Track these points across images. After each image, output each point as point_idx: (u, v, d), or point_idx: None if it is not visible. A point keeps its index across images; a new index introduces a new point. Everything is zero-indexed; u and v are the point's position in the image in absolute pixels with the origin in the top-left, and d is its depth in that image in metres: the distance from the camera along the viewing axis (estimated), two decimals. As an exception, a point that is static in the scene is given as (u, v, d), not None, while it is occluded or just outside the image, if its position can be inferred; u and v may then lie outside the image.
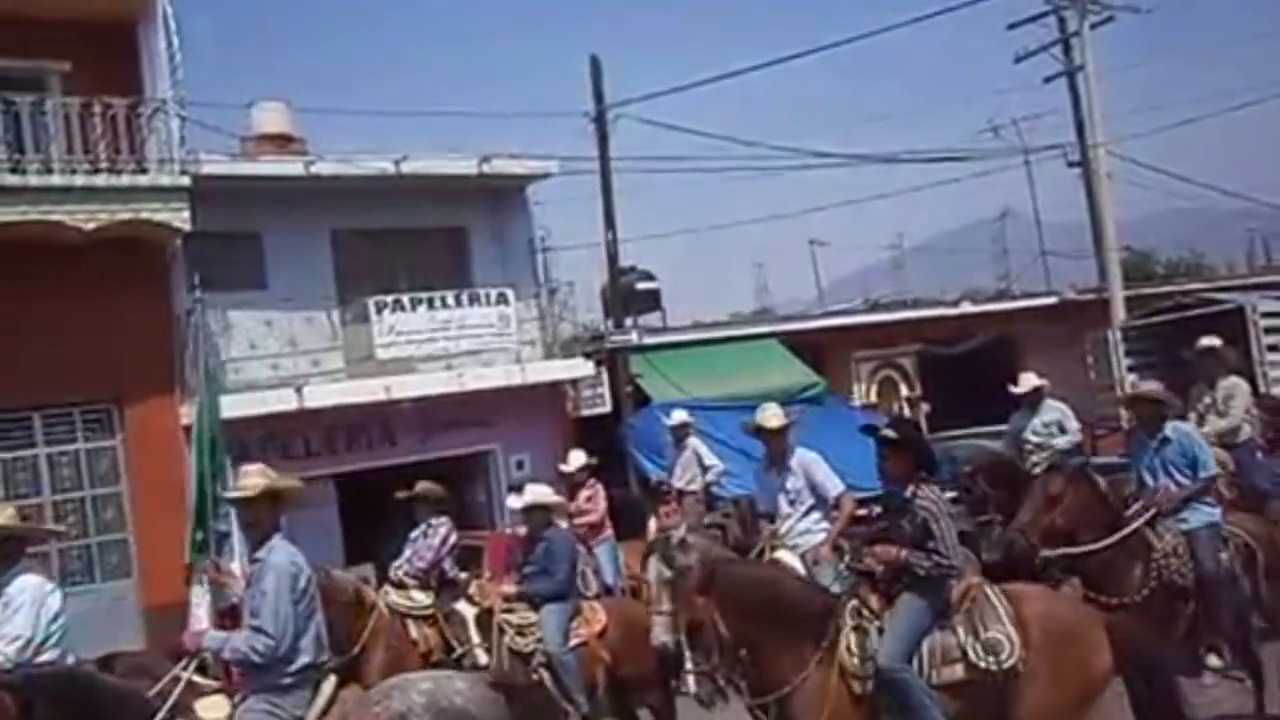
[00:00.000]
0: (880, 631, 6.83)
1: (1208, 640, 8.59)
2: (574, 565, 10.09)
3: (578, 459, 14.16)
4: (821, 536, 9.70)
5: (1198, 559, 8.44)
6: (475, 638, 9.77)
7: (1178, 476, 8.86)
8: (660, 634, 7.09)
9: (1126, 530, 8.50)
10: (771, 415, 10.18)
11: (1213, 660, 8.66)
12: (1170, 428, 8.93)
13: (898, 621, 6.84)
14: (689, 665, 6.80)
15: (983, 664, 6.79)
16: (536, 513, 10.08)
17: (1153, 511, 8.67)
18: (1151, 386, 9.31)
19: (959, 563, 7.13)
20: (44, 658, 7.32)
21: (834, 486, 9.84)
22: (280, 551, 6.56)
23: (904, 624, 6.84)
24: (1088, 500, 8.59)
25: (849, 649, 6.78)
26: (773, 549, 9.90)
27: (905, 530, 7.04)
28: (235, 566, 8.61)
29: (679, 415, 15.75)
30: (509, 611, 9.67)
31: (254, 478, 6.58)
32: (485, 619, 9.76)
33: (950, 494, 13.66)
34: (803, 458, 9.96)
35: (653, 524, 14.75)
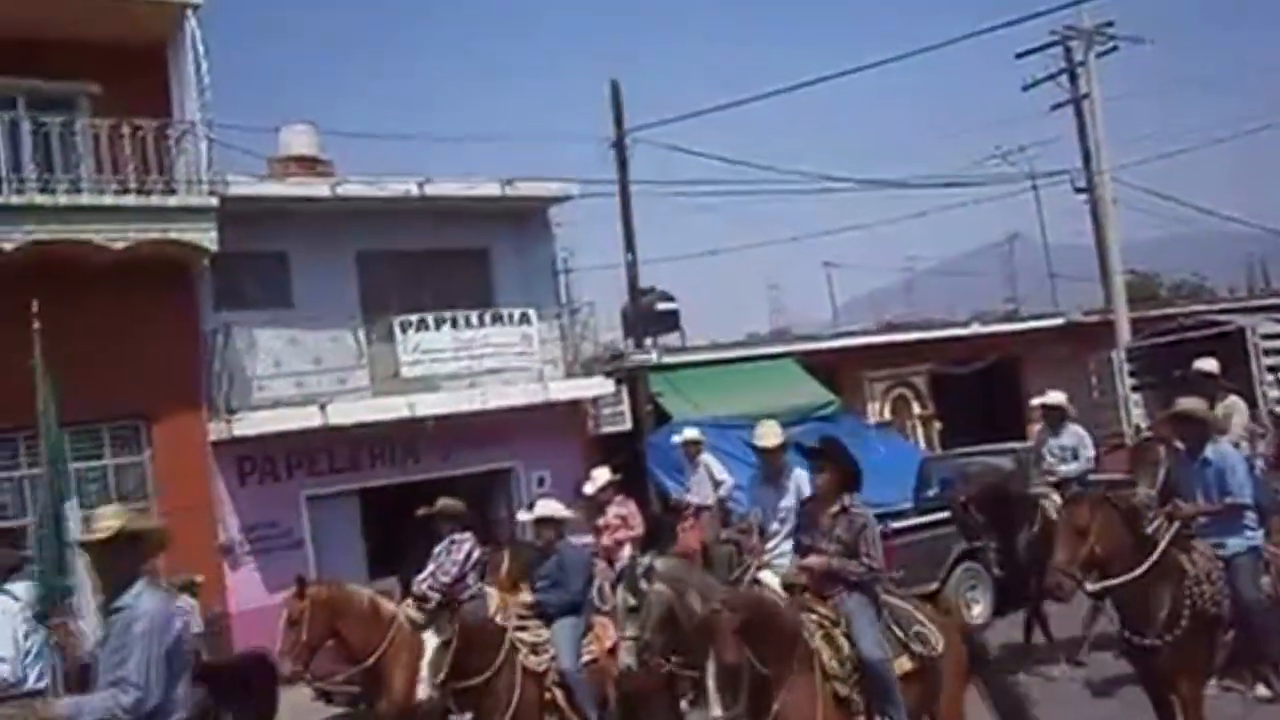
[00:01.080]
0: (846, 636, 7.01)
1: (1253, 668, 8.01)
2: (588, 580, 9.63)
3: (602, 476, 13.71)
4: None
5: (1236, 588, 7.75)
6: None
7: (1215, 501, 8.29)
8: (626, 658, 7.25)
9: (1156, 554, 7.88)
10: (767, 434, 9.77)
11: (1261, 690, 8.10)
12: (1211, 449, 8.22)
13: (859, 620, 7.07)
14: (718, 711, 6.83)
15: (923, 652, 7.21)
16: (547, 527, 9.67)
17: (1175, 526, 8.10)
18: (1193, 404, 8.49)
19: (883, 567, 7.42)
20: None
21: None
22: (148, 598, 5.44)
23: (866, 621, 7.08)
24: (1115, 526, 8.04)
25: (826, 655, 6.89)
26: (757, 568, 9.53)
27: (836, 534, 7.26)
28: (84, 624, 7.76)
29: (689, 433, 15.41)
30: (522, 629, 9.23)
31: (109, 519, 5.49)
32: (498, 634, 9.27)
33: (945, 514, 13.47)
34: (799, 478, 9.48)
35: (680, 540, 14.57)
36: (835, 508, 7.32)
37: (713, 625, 6.65)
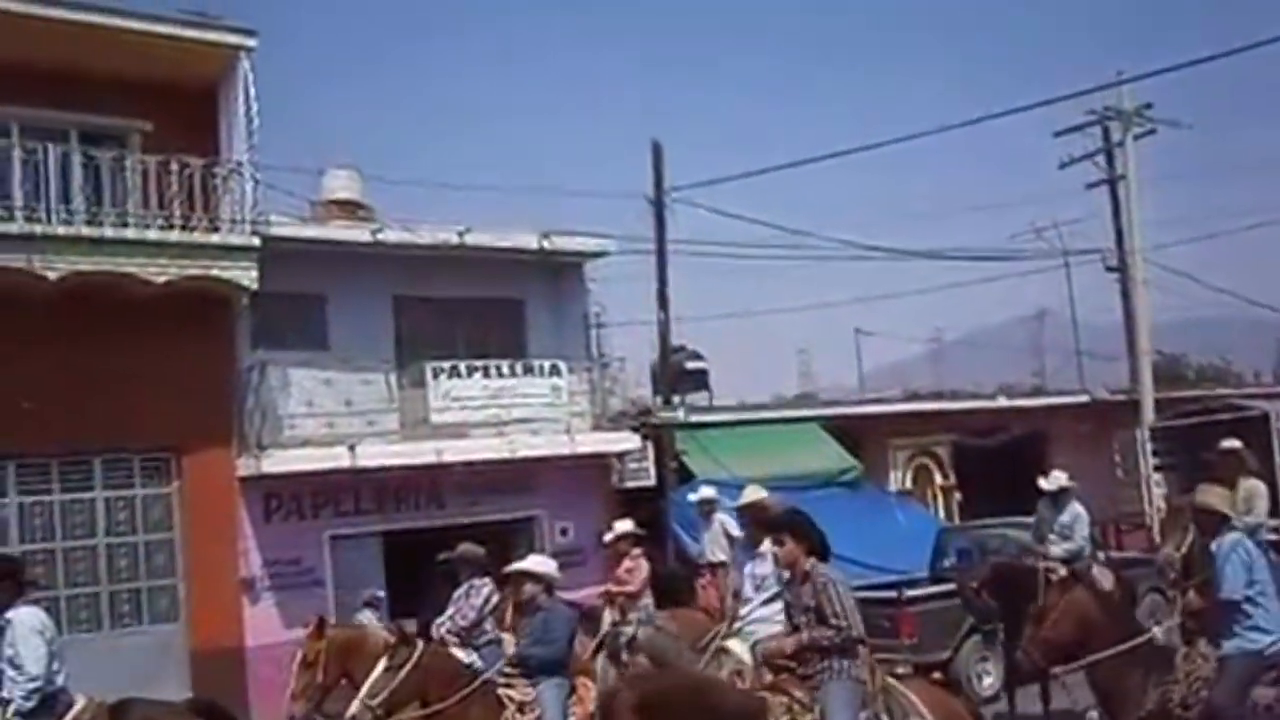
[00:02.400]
0: None
1: None
2: (570, 638, 9.44)
3: (622, 527, 13.60)
4: (778, 628, 8.46)
5: (1213, 691, 7.37)
6: None
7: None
8: None
9: (1135, 641, 7.77)
10: (748, 493, 10.06)
11: None
12: (1215, 542, 7.83)
13: (833, 708, 6.78)
14: None
15: None
16: (529, 581, 9.41)
17: (1173, 623, 8.01)
18: (1211, 497, 8.06)
19: (860, 631, 7.04)
20: None
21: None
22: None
23: (840, 710, 6.78)
24: (1083, 609, 7.86)
25: None
26: (724, 636, 9.48)
27: (804, 604, 7.02)
28: None
29: (705, 491, 15.41)
30: (509, 686, 9.08)
31: None
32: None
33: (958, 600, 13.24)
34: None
35: (700, 596, 14.76)
36: (800, 577, 7.11)
37: (607, 707, 6.43)
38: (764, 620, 9.08)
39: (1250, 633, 7.43)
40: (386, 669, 8.69)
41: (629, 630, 7.38)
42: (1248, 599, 7.37)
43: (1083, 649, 7.69)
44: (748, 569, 9.44)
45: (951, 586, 13.95)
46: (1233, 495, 11.08)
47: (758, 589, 9.29)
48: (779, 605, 9.05)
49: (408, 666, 8.65)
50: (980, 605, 12.32)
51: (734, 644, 9.05)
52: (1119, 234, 26.14)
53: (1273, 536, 11.64)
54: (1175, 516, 10.94)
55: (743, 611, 9.32)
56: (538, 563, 9.66)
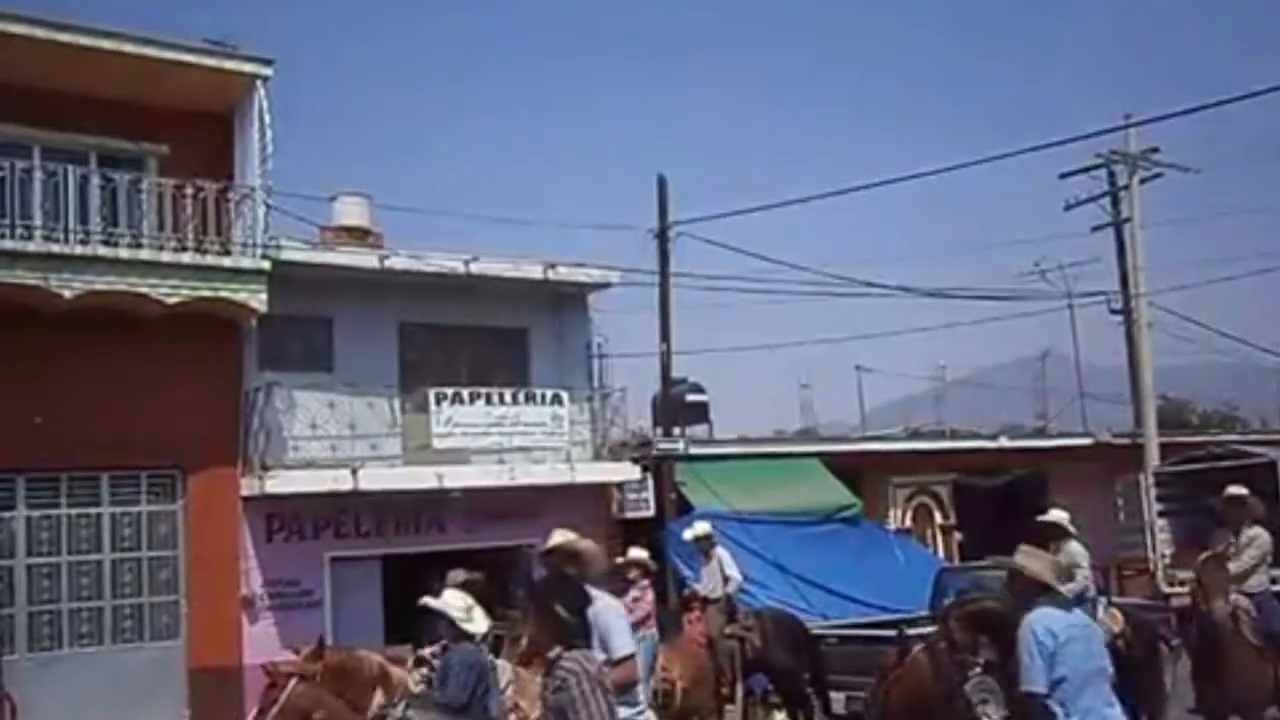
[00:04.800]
0: None
1: None
2: (473, 686, 8.39)
3: (635, 554, 14.00)
4: None
5: None
6: None
7: None
8: None
9: None
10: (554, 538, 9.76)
11: None
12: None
13: None
14: None
15: None
16: (439, 620, 8.73)
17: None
18: (1031, 564, 7.01)
19: None
20: None
21: (621, 645, 6.94)
22: None
23: None
24: (918, 680, 7.95)
25: None
26: None
27: (548, 702, 5.82)
28: None
29: (700, 527, 15.59)
30: None
31: None
32: None
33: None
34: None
35: (687, 630, 14.74)
36: (549, 660, 5.85)
37: None
38: None
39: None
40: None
41: (397, 713, 7.74)
42: (1049, 696, 6.46)
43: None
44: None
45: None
46: (1234, 542, 11.34)
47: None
48: None
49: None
50: (960, 640, 12.45)
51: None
52: (1124, 277, 26.59)
53: (1277, 588, 11.87)
54: (1215, 570, 10.93)
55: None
56: (443, 601, 8.79)
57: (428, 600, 8.80)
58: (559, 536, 7.91)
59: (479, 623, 8.52)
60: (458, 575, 10.61)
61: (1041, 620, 6.54)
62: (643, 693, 12.88)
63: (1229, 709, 10.74)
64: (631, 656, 7.02)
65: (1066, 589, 12.17)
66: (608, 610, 6.94)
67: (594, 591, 6.33)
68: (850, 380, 36.14)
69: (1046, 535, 12.70)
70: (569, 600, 5.94)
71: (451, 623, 8.58)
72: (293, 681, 9.21)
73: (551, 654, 5.80)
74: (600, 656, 6.15)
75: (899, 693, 7.60)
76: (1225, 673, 10.54)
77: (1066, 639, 6.45)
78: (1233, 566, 11.19)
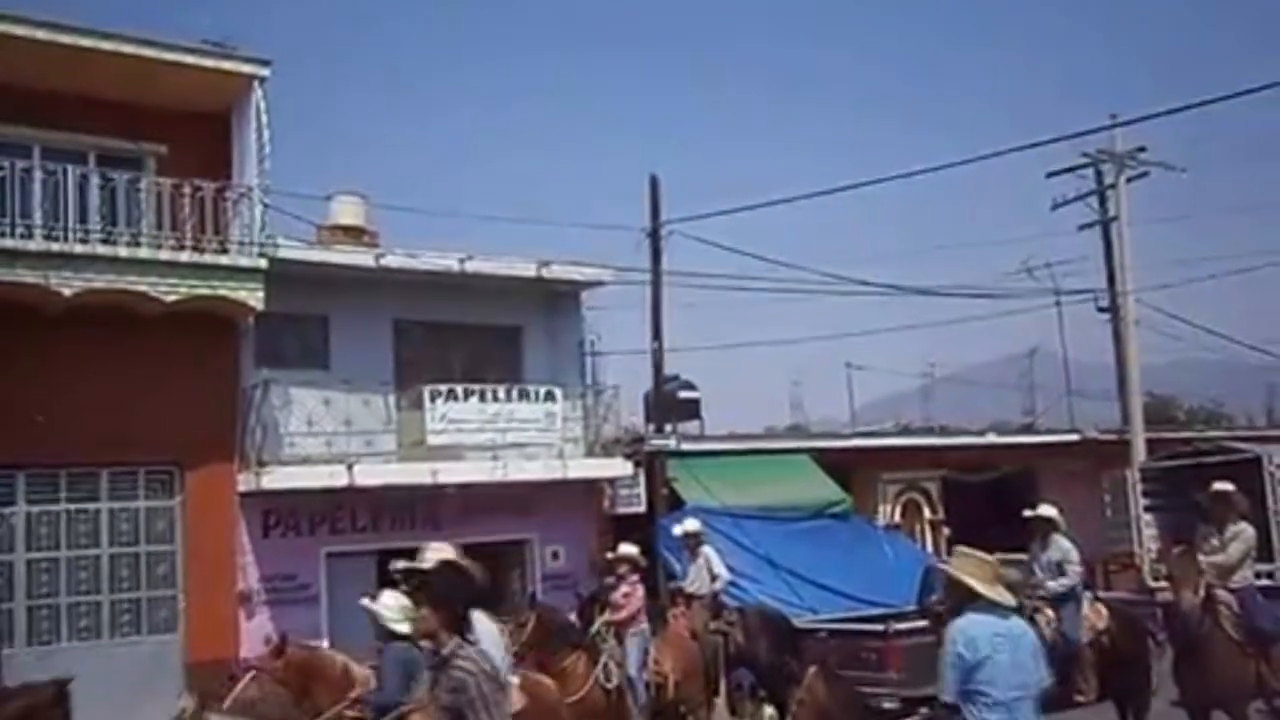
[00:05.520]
0: None
1: None
2: (398, 685, 8.27)
3: (625, 550, 14.11)
4: None
5: None
6: None
7: None
8: None
9: None
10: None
11: None
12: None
13: None
14: None
15: None
16: (374, 621, 8.78)
17: None
18: (958, 572, 6.71)
19: None
20: None
21: None
22: None
23: None
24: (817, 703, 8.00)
25: None
26: None
27: (440, 700, 5.53)
28: None
29: (690, 524, 15.75)
30: None
31: None
32: None
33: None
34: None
35: (670, 626, 14.78)
36: (440, 657, 5.62)
37: None
38: None
39: None
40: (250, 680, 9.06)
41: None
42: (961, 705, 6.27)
43: None
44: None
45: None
46: (1219, 537, 11.35)
47: None
48: None
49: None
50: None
51: None
52: (1110, 275, 26.80)
53: (1266, 583, 11.96)
54: (1186, 563, 10.98)
55: None
56: (382, 606, 8.78)
57: (363, 602, 8.91)
58: (437, 553, 7.76)
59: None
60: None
61: (963, 629, 6.30)
62: (639, 685, 13.19)
63: (1210, 703, 10.79)
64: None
65: (1058, 584, 12.43)
66: (487, 636, 6.78)
67: (475, 614, 6.12)
68: (840, 377, 36.32)
69: (1036, 530, 12.96)
70: (464, 594, 5.86)
71: (380, 622, 8.68)
72: (248, 676, 9.39)
73: (446, 648, 5.57)
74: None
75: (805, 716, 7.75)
76: (1202, 667, 10.58)
77: (990, 650, 6.15)
78: (1219, 560, 11.24)
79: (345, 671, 9.58)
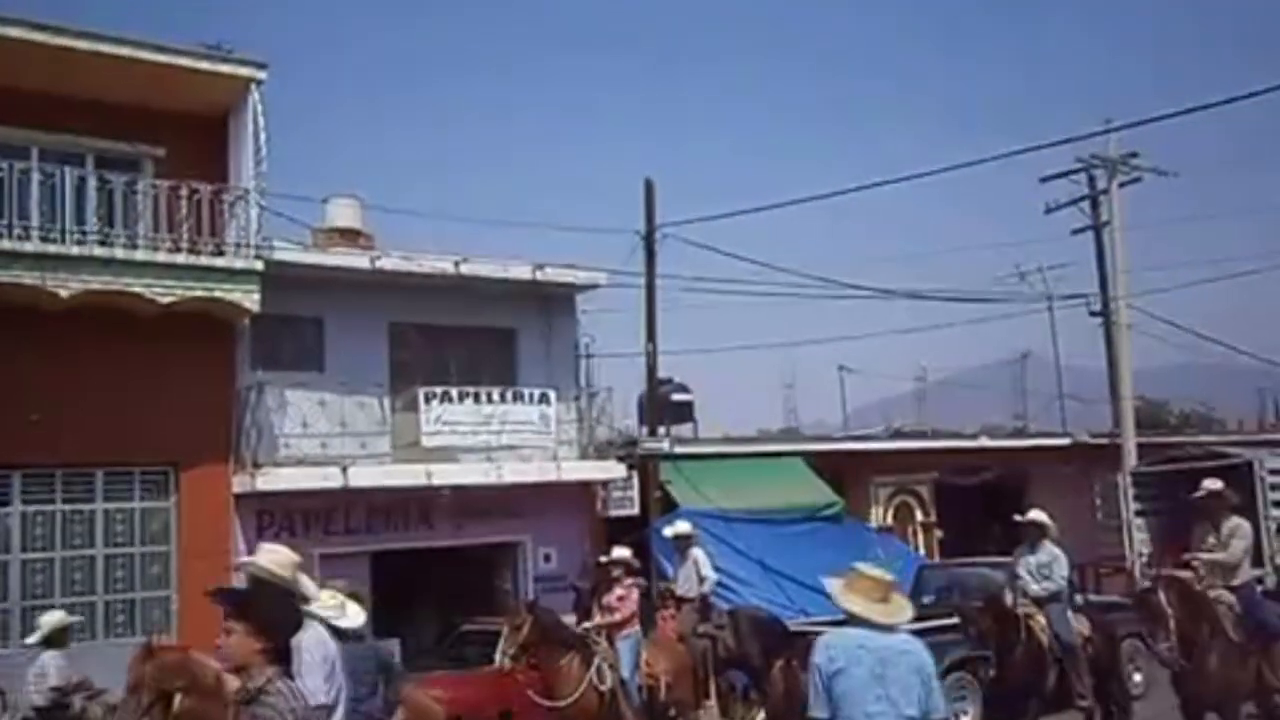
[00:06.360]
0: None
1: None
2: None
3: (619, 553, 14.23)
4: None
5: None
6: None
7: None
8: None
9: None
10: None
11: None
12: None
13: None
14: None
15: None
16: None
17: None
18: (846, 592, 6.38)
19: None
20: None
21: (314, 688, 6.54)
22: None
23: None
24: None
25: None
26: None
27: None
28: None
29: (680, 526, 15.82)
30: None
31: None
32: None
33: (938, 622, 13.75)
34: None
35: (659, 628, 15.00)
36: (248, 691, 5.03)
37: None
38: None
39: None
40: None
41: None
42: None
43: None
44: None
45: (930, 624, 14.42)
46: (1216, 536, 11.47)
47: None
48: None
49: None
50: (979, 633, 12.40)
51: None
52: (1103, 280, 26.95)
53: (1259, 587, 12.02)
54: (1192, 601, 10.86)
55: None
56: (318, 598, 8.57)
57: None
58: (270, 555, 6.81)
59: (353, 618, 8.59)
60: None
61: (827, 641, 6.09)
62: (631, 688, 13.28)
63: (1207, 706, 10.82)
64: (326, 708, 6.09)
65: (1041, 588, 12.53)
66: (315, 645, 6.21)
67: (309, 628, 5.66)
68: (833, 380, 36.62)
69: (1026, 534, 13.06)
70: (291, 623, 5.35)
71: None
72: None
73: (257, 681, 4.96)
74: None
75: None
76: (1200, 670, 10.58)
77: (847, 662, 5.85)
78: (1221, 558, 11.34)
79: (218, 681, 9.42)
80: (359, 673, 8.36)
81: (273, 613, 5.25)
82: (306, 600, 6.21)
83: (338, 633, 8.41)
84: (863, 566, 6.27)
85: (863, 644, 5.87)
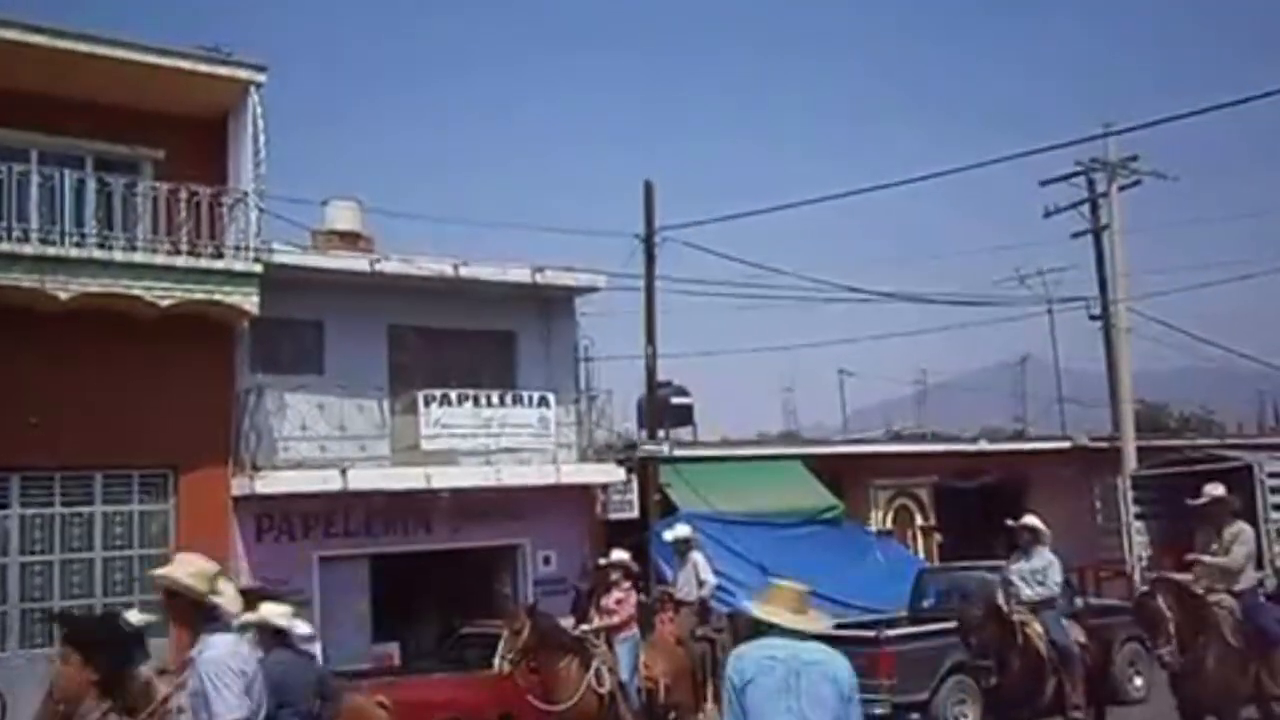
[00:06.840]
0: None
1: None
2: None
3: (617, 556, 14.23)
4: None
5: None
6: None
7: None
8: None
9: None
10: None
11: None
12: None
13: None
14: None
15: None
16: (263, 632, 8.55)
17: None
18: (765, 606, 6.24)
19: None
20: None
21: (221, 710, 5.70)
22: None
23: None
24: None
25: None
26: None
27: None
28: None
29: (680, 530, 15.85)
30: None
31: None
32: None
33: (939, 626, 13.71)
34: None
35: (657, 631, 15.00)
36: None
37: None
38: None
39: None
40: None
41: None
42: None
43: None
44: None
45: (931, 627, 14.37)
46: (1219, 541, 11.40)
47: None
48: None
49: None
50: (979, 643, 12.20)
51: None
52: (1103, 283, 26.93)
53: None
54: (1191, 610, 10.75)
55: None
56: (267, 614, 8.66)
57: (247, 616, 8.05)
58: (185, 566, 6.02)
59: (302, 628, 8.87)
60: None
61: (738, 653, 5.99)
62: (630, 690, 13.30)
63: (1205, 710, 10.82)
64: None
65: (1034, 593, 12.52)
66: (227, 658, 5.60)
67: (216, 639, 5.54)
68: (832, 384, 36.65)
69: (1020, 538, 13.06)
70: (121, 655, 5.28)
71: (274, 633, 8.72)
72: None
73: (89, 714, 4.97)
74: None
75: None
76: (1198, 675, 10.56)
77: (756, 672, 5.72)
78: (1223, 563, 11.31)
79: (146, 686, 9.29)
80: (296, 686, 8.32)
81: (103, 647, 5.19)
82: (219, 614, 5.89)
83: (286, 642, 8.64)
84: (778, 580, 6.17)
85: (773, 655, 5.73)
